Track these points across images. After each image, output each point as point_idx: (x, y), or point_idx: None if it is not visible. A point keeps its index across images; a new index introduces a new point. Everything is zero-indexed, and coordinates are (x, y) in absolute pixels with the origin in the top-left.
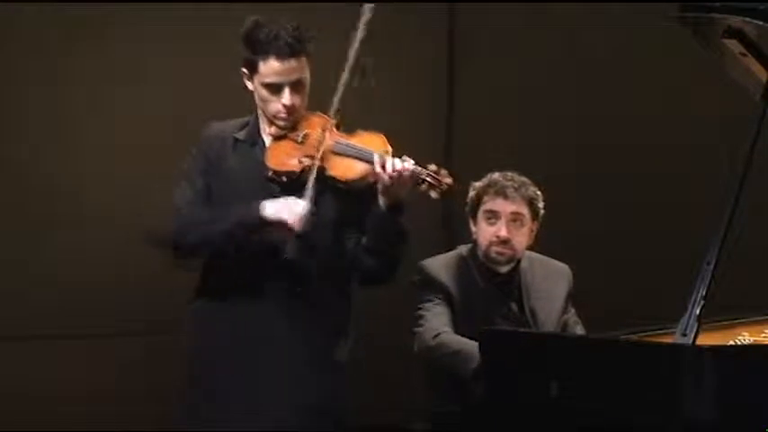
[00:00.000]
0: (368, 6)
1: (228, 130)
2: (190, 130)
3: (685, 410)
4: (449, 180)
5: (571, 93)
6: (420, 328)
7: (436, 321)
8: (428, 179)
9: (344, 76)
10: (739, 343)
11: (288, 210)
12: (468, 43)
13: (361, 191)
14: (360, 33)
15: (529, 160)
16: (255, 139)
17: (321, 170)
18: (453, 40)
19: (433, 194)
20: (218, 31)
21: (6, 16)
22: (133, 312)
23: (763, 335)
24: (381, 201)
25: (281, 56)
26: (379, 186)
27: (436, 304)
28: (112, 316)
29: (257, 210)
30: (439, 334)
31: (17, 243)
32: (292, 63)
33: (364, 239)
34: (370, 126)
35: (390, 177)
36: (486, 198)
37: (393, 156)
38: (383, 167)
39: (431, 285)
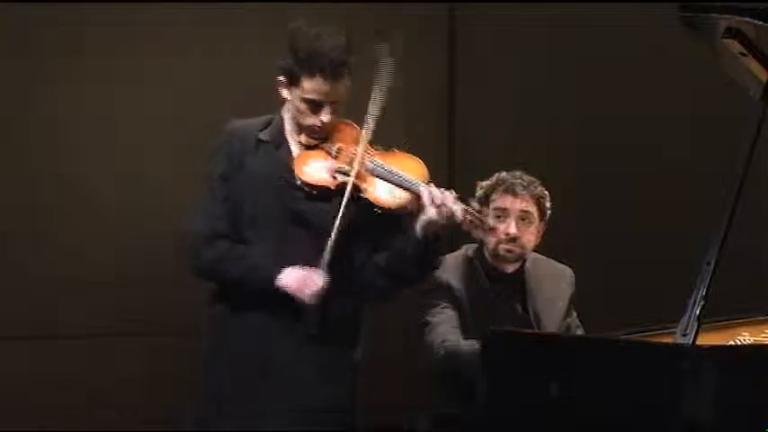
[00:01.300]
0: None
1: (251, 129)
2: (190, 130)
3: (685, 410)
4: (491, 221)
5: (571, 93)
6: (428, 337)
7: (444, 328)
8: (470, 217)
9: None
10: (739, 343)
11: (305, 284)
12: (468, 43)
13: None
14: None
15: (529, 160)
16: (280, 141)
17: (355, 190)
18: (453, 40)
19: (476, 234)
20: (220, 31)
21: (6, 16)
22: (133, 312)
23: (763, 335)
24: (419, 230)
25: (327, 77)
26: (422, 217)
27: (443, 308)
28: (112, 316)
29: (272, 277)
30: (444, 341)
31: (17, 243)
32: (337, 85)
33: (380, 258)
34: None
35: (437, 212)
36: (494, 196)
37: (431, 183)
38: (431, 201)
39: (436, 289)
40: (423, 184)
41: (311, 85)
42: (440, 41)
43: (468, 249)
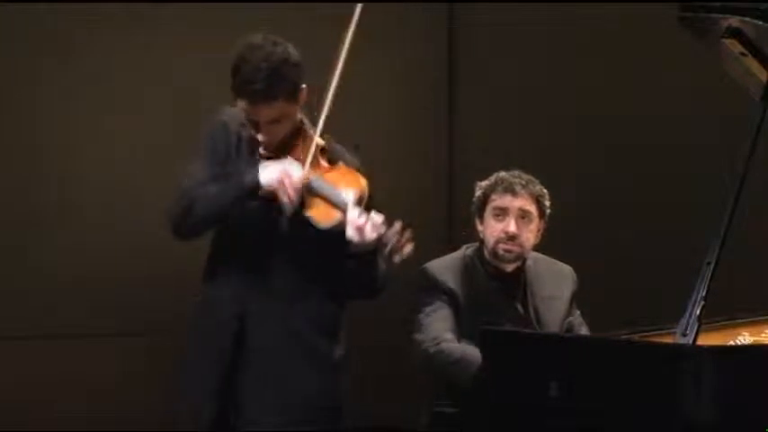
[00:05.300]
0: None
1: (236, 122)
2: (190, 131)
3: (685, 410)
4: (408, 249)
5: (571, 93)
6: (420, 335)
7: (438, 327)
8: (389, 245)
9: (331, 89)
10: (739, 343)
11: (284, 173)
12: (468, 43)
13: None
14: (348, 39)
15: (529, 160)
16: (254, 146)
17: (300, 205)
18: (453, 40)
19: (396, 258)
20: (222, 32)
21: (7, 17)
22: (133, 312)
23: (764, 335)
24: (351, 245)
25: (251, 102)
26: (347, 234)
27: (439, 308)
28: (112, 316)
29: (245, 181)
30: (440, 342)
31: (17, 244)
32: (263, 108)
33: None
34: (371, 126)
35: (355, 233)
36: (494, 195)
37: (369, 195)
38: (351, 222)
39: (434, 288)
40: (351, 204)
41: (242, 105)
42: (440, 41)
43: (467, 249)
